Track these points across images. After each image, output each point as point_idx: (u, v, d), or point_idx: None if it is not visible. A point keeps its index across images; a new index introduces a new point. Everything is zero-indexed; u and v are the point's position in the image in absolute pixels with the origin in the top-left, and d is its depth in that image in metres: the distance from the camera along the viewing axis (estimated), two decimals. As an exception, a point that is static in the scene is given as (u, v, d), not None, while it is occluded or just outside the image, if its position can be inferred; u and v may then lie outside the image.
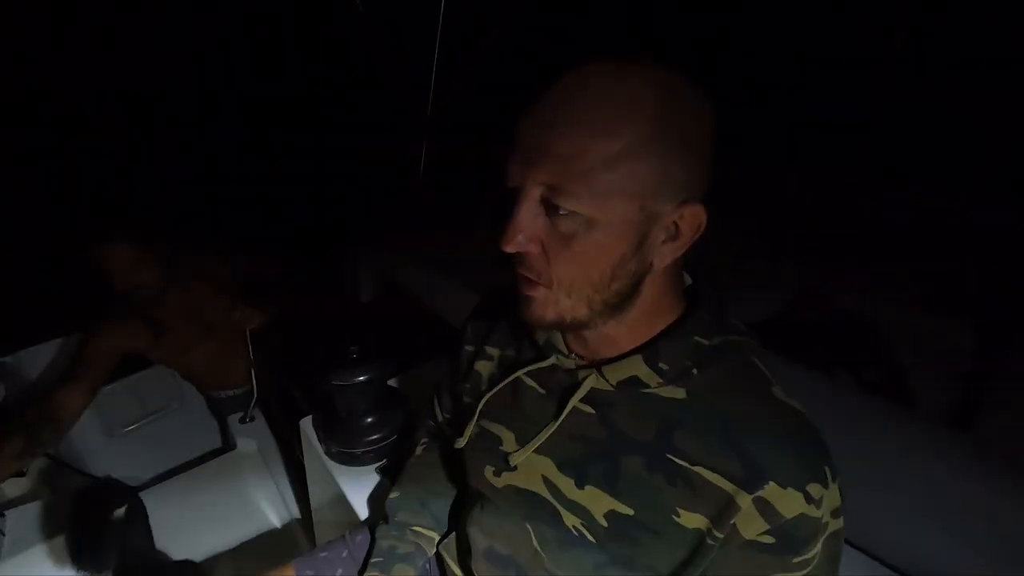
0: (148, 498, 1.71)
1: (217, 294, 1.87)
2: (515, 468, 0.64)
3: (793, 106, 2.71)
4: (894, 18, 1.46)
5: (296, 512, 1.79)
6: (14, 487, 1.28)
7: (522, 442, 0.63)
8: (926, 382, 1.13)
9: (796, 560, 0.51)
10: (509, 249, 0.52)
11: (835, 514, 0.52)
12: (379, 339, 1.22)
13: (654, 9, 3.23)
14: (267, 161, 4.17)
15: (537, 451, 0.62)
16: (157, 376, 1.97)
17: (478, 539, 0.71)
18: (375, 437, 1.13)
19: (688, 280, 0.61)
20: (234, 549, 1.68)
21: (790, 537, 0.50)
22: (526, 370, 0.64)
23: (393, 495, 0.85)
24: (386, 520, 0.83)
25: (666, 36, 3.18)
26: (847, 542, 0.84)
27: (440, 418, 0.88)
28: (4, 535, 1.02)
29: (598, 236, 0.49)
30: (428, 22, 1.84)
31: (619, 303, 0.54)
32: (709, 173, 0.52)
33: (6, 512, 1.07)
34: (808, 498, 0.49)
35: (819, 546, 0.51)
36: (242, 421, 1.95)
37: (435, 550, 0.83)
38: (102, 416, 1.87)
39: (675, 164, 0.48)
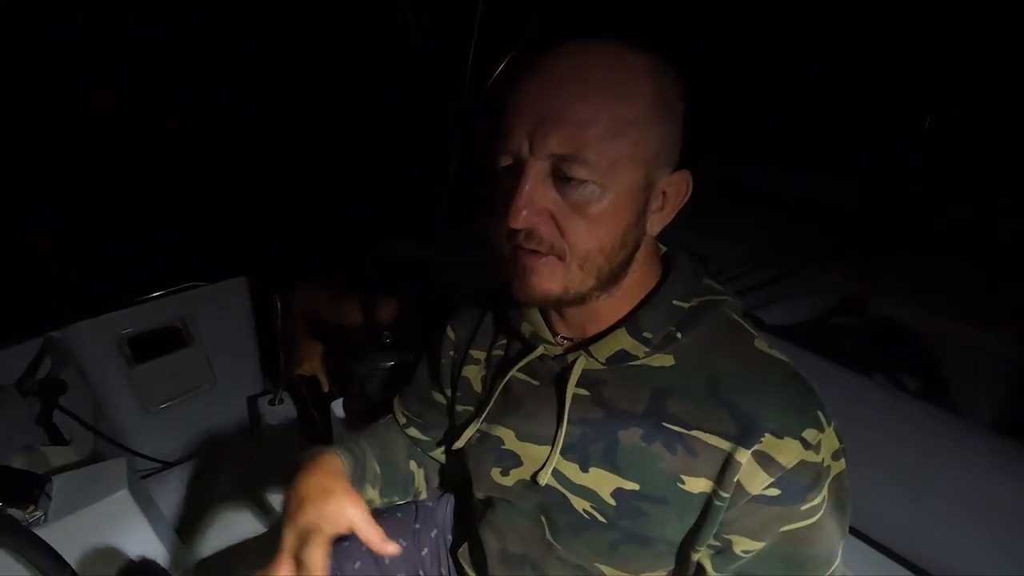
0: (180, 473, 1.78)
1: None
2: (535, 481, 0.61)
3: (850, 108, 2.63)
4: (942, 18, 1.41)
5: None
6: (59, 456, 1.33)
7: (523, 437, 0.63)
8: (974, 392, 1.09)
9: (804, 508, 0.50)
10: (519, 225, 0.50)
11: (835, 456, 0.51)
12: (407, 326, 1.23)
13: (691, 9, 3.18)
14: (300, 159, 4.24)
15: (539, 442, 0.61)
16: (190, 357, 2.03)
17: (491, 542, 0.71)
18: (405, 421, 1.14)
19: (662, 248, 0.63)
20: (261, 532, 1.71)
21: (794, 486, 0.49)
22: (517, 367, 0.63)
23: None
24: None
25: (714, 31, 3.12)
26: (886, 550, 0.81)
27: (402, 420, 0.86)
28: (51, 499, 1.06)
29: (609, 204, 0.49)
30: (465, 18, 1.84)
31: (619, 273, 0.54)
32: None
33: (52, 478, 1.11)
34: (806, 444, 0.49)
35: (824, 491, 0.51)
36: (271, 403, 1.99)
37: (452, 558, 0.84)
38: (139, 393, 1.93)
39: (671, 133, 0.51)
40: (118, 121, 3.87)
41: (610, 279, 0.54)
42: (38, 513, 1.01)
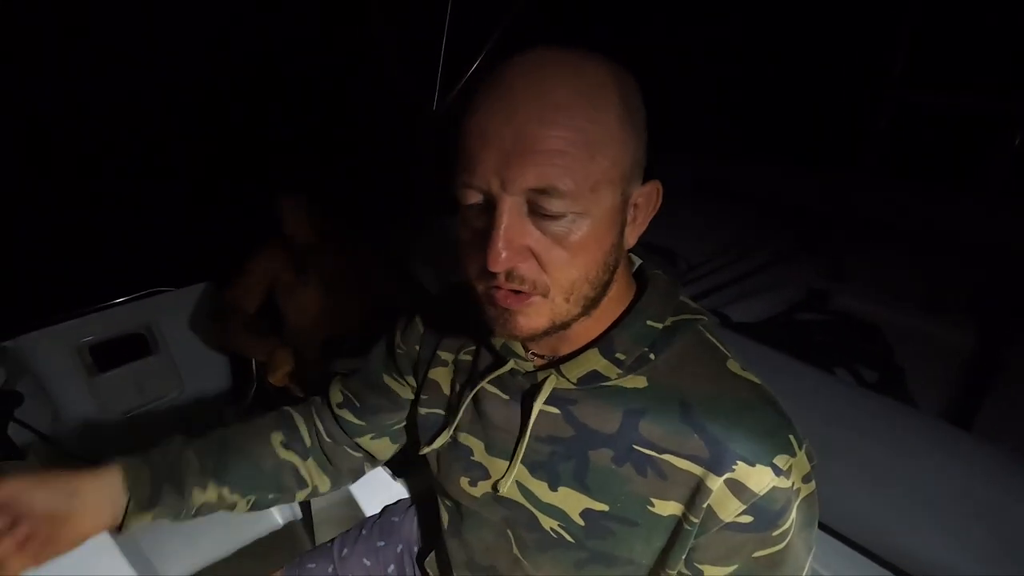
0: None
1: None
2: (496, 490, 0.61)
3: (805, 108, 2.71)
4: (901, 21, 1.47)
5: (296, 506, 1.79)
6: (14, 472, 1.28)
7: (492, 451, 0.62)
8: (927, 381, 1.13)
9: (775, 533, 0.50)
10: (499, 268, 0.46)
11: (806, 479, 0.51)
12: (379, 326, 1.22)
13: (660, 10, 3.22)
14: (269, 156, 4.14)
15: (506, 457, 0.60)
16: (157, 364, 1.97)
17: (457, 552, 0.70)
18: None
19: (635, 262, 0.60)
20: (232, 545, 1.67)
21: (766, 512, 0.49)
22: (488, 379, 0.60)
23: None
24: None
25: (677, 38, 3.17)
26: (845, 539, 0.84)
27: (338, 399, 0.78)
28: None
29: (590, 231, 0.47)
30: (435, 17, 1.83)
31: (602, 295, 0.52)
32: None
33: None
34: (777, 470, 0.49)
35: (793, 513, 0.51)
36: (238, 413, 1.95)
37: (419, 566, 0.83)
38: (102, 403, 1.87)
39: (640, 144, 0.49)
40: (71, 123, 3.72)
41: (594, 303, 0.52)
42: (-10, 534, 0.97)
